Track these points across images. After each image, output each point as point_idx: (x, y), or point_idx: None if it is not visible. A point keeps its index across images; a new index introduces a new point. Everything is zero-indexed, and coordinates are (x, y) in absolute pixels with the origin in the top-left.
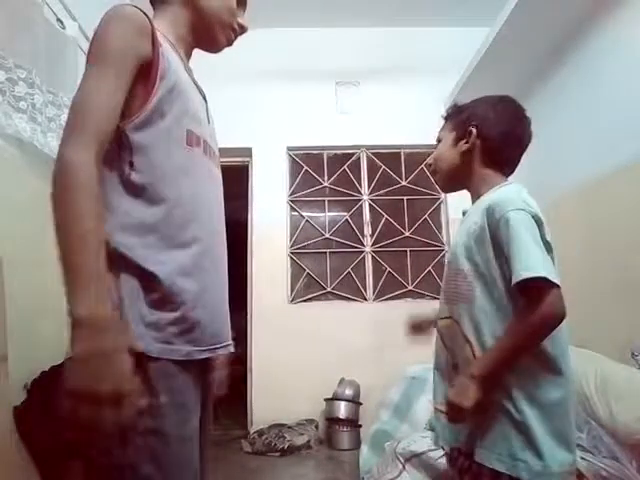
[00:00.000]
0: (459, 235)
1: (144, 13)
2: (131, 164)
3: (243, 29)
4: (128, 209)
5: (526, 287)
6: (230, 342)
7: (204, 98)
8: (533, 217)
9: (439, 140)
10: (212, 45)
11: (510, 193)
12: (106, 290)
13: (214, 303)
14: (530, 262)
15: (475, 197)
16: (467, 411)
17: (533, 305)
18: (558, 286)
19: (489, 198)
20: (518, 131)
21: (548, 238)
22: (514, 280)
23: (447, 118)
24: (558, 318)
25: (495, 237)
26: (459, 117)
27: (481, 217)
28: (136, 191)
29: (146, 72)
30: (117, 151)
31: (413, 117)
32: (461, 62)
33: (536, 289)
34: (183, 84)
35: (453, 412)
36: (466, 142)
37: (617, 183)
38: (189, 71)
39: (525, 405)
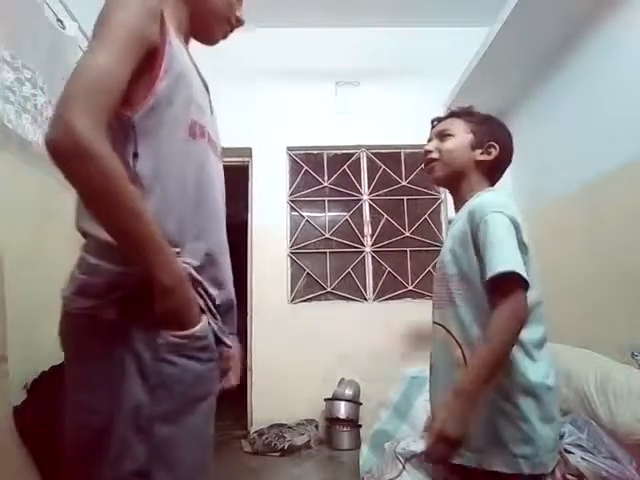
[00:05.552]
0: (447, 241)
1: None
2: (135, 155)
3: (240, 22)
4: None
5: (497, 283)
6: None
7: (206, 87)
8: (510, 220)
9: (445, 132)
10: (208, 37)
11: (490, 198)
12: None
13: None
14: (502, 258)
15: (460, 202)
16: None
17: (501, 300)
18: (526, 287)
19: (471, 204)
20: (512, 151)
21: (525, 241)
22: (487, 276)
23: (458, 115)
24: (523, 315)
25: (476, 240)
26: (480, 127)
27: (464, 222)
28: (139, 183)
29: (152, 58)
30: (123, 141)
31: (413, 117)
32: (461, 62)
33: (505, 285)
34: (188, 72)
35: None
36: (482, 153)
37: (617, 182)
38: (192, 60)
39: (519, 398)
